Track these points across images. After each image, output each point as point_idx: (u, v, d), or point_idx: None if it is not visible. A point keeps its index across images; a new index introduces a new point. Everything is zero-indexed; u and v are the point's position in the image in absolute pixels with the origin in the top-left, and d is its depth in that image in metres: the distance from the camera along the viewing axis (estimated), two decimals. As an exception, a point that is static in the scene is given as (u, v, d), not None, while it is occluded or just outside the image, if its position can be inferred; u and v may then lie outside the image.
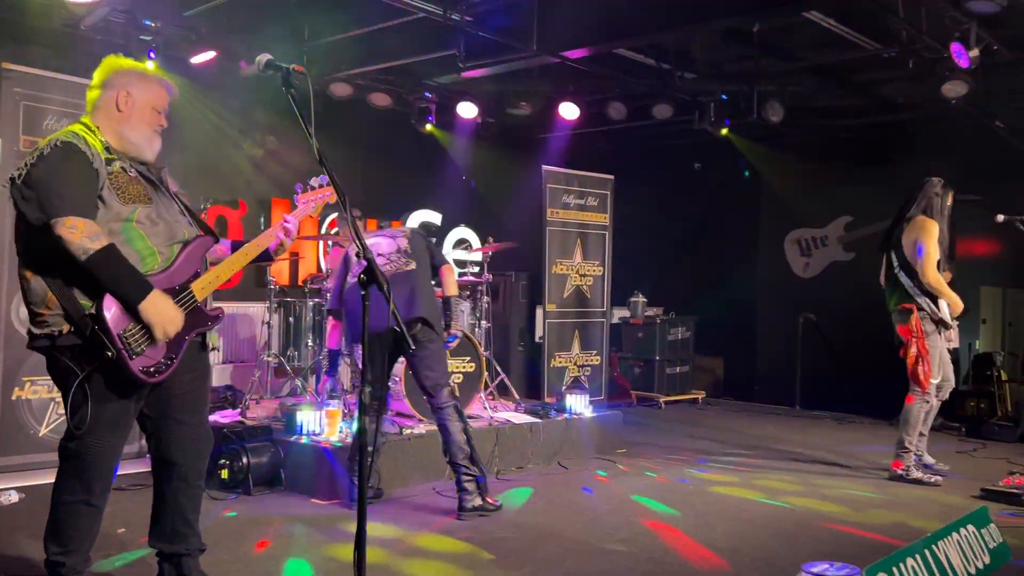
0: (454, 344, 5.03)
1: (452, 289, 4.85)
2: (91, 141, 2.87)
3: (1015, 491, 5.07)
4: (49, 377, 2.93)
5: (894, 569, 3.10)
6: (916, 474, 5.50)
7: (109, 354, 2.67)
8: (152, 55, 6.20)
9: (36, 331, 2.79)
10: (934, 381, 5.59)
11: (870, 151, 9.42)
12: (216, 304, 3.14)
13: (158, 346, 2.80)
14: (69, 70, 5.24)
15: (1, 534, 3.95)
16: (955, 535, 3.58)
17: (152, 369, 2.79)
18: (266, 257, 3.19)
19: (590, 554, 3.98)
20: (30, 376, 4.96)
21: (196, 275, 2.97)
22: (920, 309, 5.52)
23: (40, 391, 5.01)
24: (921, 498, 5.18)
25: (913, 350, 5.54)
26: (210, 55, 6.62)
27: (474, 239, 9.03)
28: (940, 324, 5.57)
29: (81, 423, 2.79)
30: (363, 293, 2.26)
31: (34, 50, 5.99)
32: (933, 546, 3.39)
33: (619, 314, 9.57)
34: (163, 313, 2.77)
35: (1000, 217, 5.73)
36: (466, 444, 4.48)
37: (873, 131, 9.32)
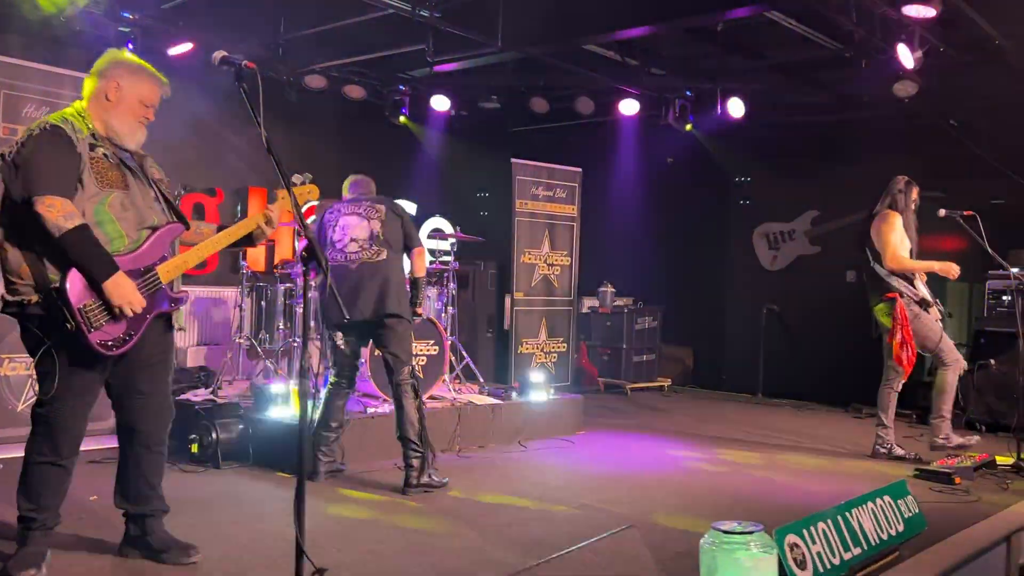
0: (416, 322, 5.19)
1: (421, 271, 5.02)
2: (79, 125, 3.12)
3: (946, 471, 5.36)
4: (26, 354, 3.19)
5: (804, 531, 3.36)
6: (956, 440, 5.78)
7: (68, 326, 2.92)
8: (130, 46, 6.40)
9: (8, 298, 3.04)
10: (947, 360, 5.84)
11: (836, 148, 9.69)
12: (184, 288, 3.38)
13: (118, 323, 3.03)
14: (48, 60, 5.44)
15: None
16: (870, 504, 3.84)
17: (110, 343, 3.02)
18: (247, 242, 3.46)
19: (538, 520, 4.24)
20: (8, 354, 5.18)
21: (163, 259, 3.20)
22: (902, 295, 5.76)
23: (18, 368, 5.23)
24: (869, 472, 5.48)
25: (899, 336, 5.78)
26: (187, 47, 6.82)
27: (448, 229, 9.26)
28: (922, 304, 5.82)
29: (49, 389, 3.04)
30: (304, 276, 2.49)
31: (14, 39, 6.18)
32: (847, 512, 3.65)
33: (589, 303, 9.84)
34: (124, 292, 3.00)
35: (942, 212, 6.03)
36: (418, 422, 4.70)
37: (838, 128, 9.57)
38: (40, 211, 2.89)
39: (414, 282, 5.03)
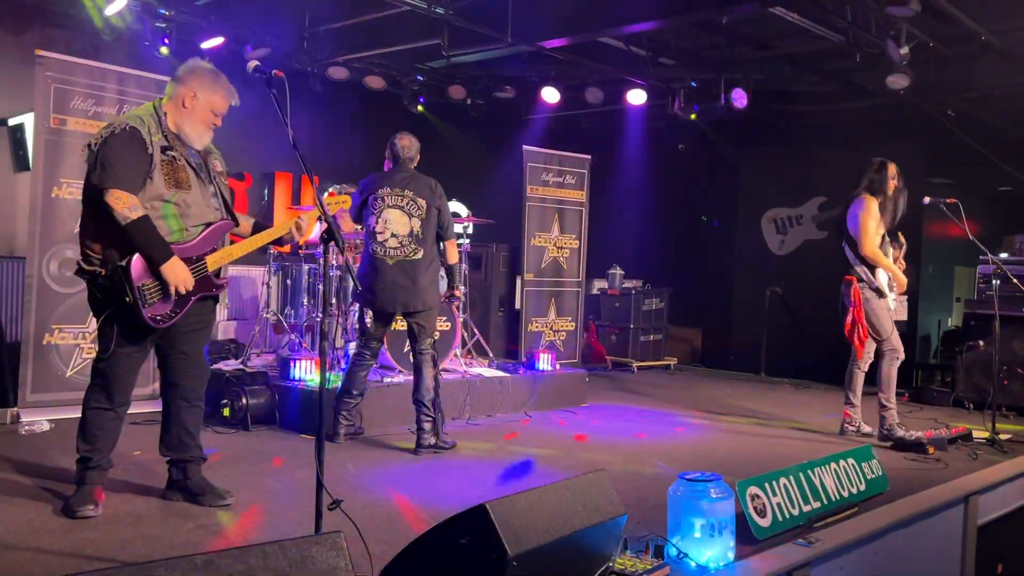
0: (458, 302, 5.66)
1: (453, 259, 5.45)
2: (154, 127, 3.59)
3: (922, 441, 5.73)
4: (75, 326, 3.71)
5: (766, 484, 3.78)
6: (898, 432, 5.91)
7: (128, 299, 3.42)
8: (166, 41, 6.88)
9: (84, 266, 3.55)
10: (868, 356, 6.16)
11: (843, 135, 9.98)
12: (224, 277, 3.89)
13: (168, 301, 3.52)
14: (94, 55, 5.92)
15: (36, 453, 4.69)
16: (833, 464, 4.23)
17: (159, 318, 3.53)
18: (279, 242, 3.99)
19: (533, 474, 4.68)
20: (59, 324, 5.68)
21: (213, 250, 3.70)
22: (860, 280, 6.08)
23: (67, 338, 5.74)
24: (842, 445, 5.85)
25: (849, 318, 6.13)
26: (219, 41, 7.28)
27: (464, 212, 9.68)
28: (877, 293, 6.14)
29: (107, 347, 3.56)
30: (324, 255, 2.94)
31: (60, 36, 6.67)
32: (809, 471, 4.05)
33: (599, 285, 10.26)
34: (178, 274, 3.50)
35: (926, 199, 6.30)
36: (432, 390, 5.16)
37: (845, 116, 9.86)
38: (109, 202, 3.39)
39: (448, 269, 5.46)
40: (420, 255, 5.18)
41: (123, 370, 3.64)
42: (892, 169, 6.13)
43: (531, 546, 2.50)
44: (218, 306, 7.58)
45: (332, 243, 2.95)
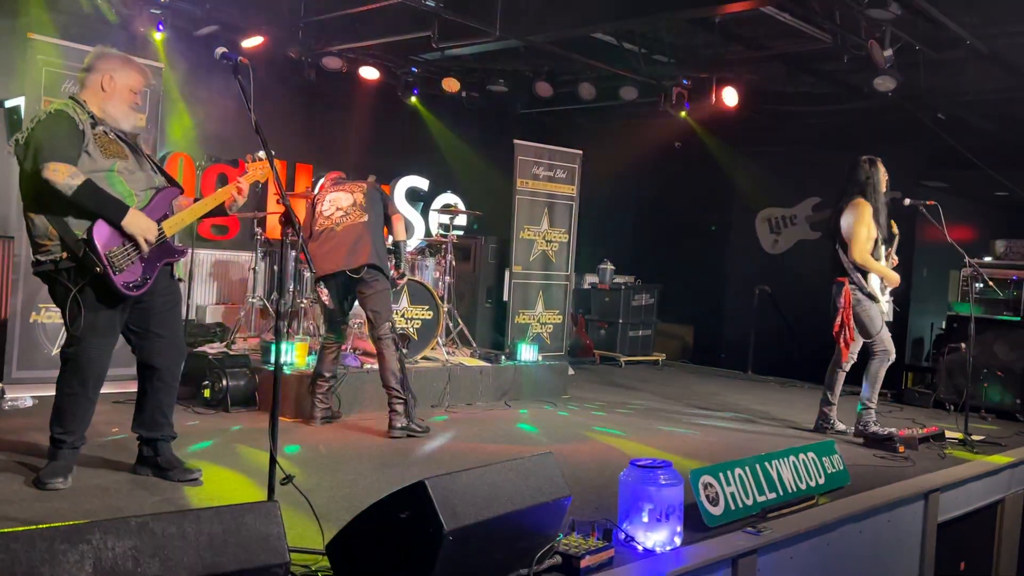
0: (402, 283, 5.71)
1: (399, 235, 5.57)
2: (78, 110, 3.67)
3: (892, 436, 5.79)
4: None
5: (720, 474, 3.85)
6: (872, 429, 5.95)
7: (98, 269, 3.48)
8: (161, 27, 6.97)
9: (41, 259, 3.61)
10: (852, 358, 6.22)
11: (838, 136, 10.00)
12: (180, 245, 3.95)
13: (136, 267, 3.59)
14: (85, 40, 6.00)
15: (19, 428, 4.80)
16: (792, 457, 4.29)
17: (131, 284, 3.59)
18: (221, 212, 3.94)
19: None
20: (45, 303, 5.79)
21: (165, 216, 3.76)
22: (852, 283, 6.10)
23: (54, 316, 5.84)
24: (811, 440, 5.91)
25: (838, 320, 6.19)
26: (213, 28, 7.37)
27: (459, 204, 9.78)
28: (869, 298, 6.11)
29: (76, 330, 3.61)
30: (285, 235, 3.02)
31: (54, 20, 6.76)
32: (765, 462, 4.11)
33: (589, 280, 10.33)
34: (142, 225, 3.57)
35: (907, 201, 6.35)
36: (399, 371, 5.24)
37: (840, 117, 9.88)
38: (48, 176, 3.43)
39: (395, 246, 5.59)
40: (365, 218, 5.35)
41: (95, 354, 3.70)
42: (880, 165, 6.14)
43: (468, 522, 2.58)
44: (205, 290, 7.70)
45: (291, 229, 3.02)
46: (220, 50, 3.27)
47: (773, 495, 4.01)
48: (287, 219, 3.01)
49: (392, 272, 5.50)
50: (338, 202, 5.43)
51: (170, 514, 2.12)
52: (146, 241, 3.59)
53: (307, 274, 6.74)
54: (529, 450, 5.03)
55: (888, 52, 6.26)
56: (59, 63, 5.81)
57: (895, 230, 6.64)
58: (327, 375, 5.45)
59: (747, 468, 3.98)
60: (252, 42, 7.40)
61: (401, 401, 5.21)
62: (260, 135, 3.08)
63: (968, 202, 10.81)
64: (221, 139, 8.09)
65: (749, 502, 3.87)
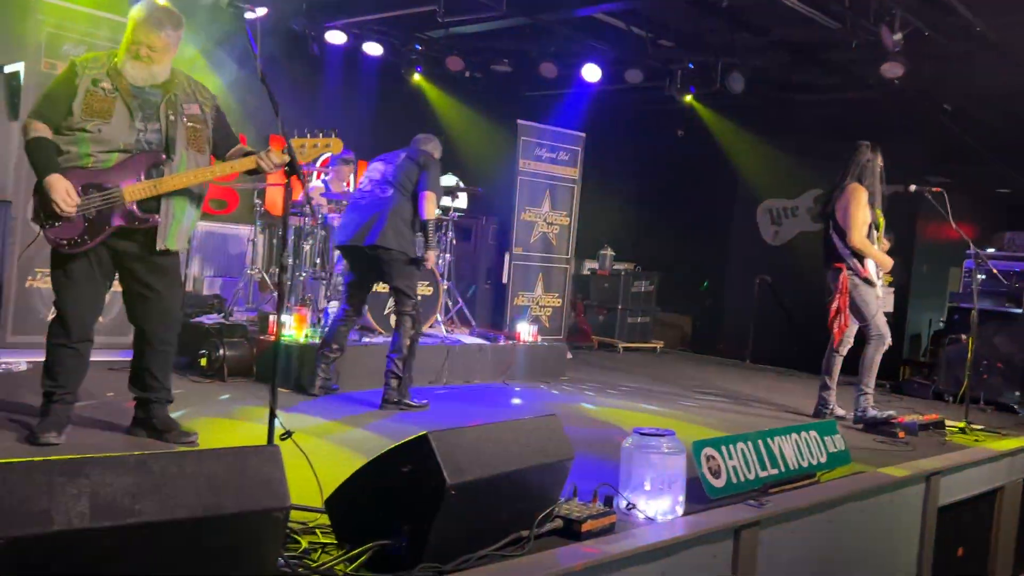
0: (430, 263, 5.46)
1: (427, 214, 5.26)
2: (101, 62, 3.66)
3: (892, 418, 5.76)
4: None
5: (722, 447, 3.81)
6: (871, 414, 5.93)
7: (33, 221, 3.55)
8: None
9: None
10: (848, 341, 6.19)
11: (841, 127, 9.93)
12: (156, 216, 3.70)
13: (74, 224, 3.57)
14: (88, 2, 5.94)
15: (13, 391, 4.74)
16: (794, 435, 4.26)
17: (63, 241, 3.58)
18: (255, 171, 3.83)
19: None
20: (42, 268, 5.73)
21: (134, 180, 3.64)
22: (849, 269, 6.09)
23: (49, 281, 5.77)
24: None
25: (835, 305, 6.16)
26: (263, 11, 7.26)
27: (460, 184, 9.71)
28: (865, 282, 6.11)
29: (54, 278, 3.70)
30: (287, 191, 2.96)
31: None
32: (768, 438, 4.07)
33: (589, 265, 10.29)
34: (56, 190, 3.49)
35: (912, 187, 6.31)
36: (406, 348, 5.19)
37: (844, 107, 9.85)
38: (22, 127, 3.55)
39: (422, 225, 5.30)
40: (389, 193, 5.24)
41: (71, 299, 3.68)
42: (879, 156, 6.10)
43: (471, 478, 2.54)
44: (204, 262, 7.64)
45: (296, 178, 2.96)
46: (227, -2, 3.20)
47: (775, 471, 3.97)
48: (292, 168, 2.94)
49: (420, 251, 5.34)
50: (371, 173, 5.41)
51: (170, 454, 2.07)
52: (63, 203, 3.50)
53: (306, 246, 6.68)
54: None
55: (898, 36, 6.21)
56: (61, 23, 5.74)
57: (880, 219, 6.59)
58: (335, 347, 5.43)
59: (749, 443, 3.93)
60: (257, 13, 7.30)
61: (396, 377, 5.17)
62: (265, 85, 3.02)
63: (968, 198, 10.77)
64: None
65: (751, 476, 3.83)
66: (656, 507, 3.27)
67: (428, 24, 8.37)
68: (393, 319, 5.50)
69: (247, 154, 3.91)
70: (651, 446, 3.35)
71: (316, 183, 7.51)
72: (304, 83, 8.60)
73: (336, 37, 8.17)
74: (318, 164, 8.00)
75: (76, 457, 1.93)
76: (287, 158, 3.61)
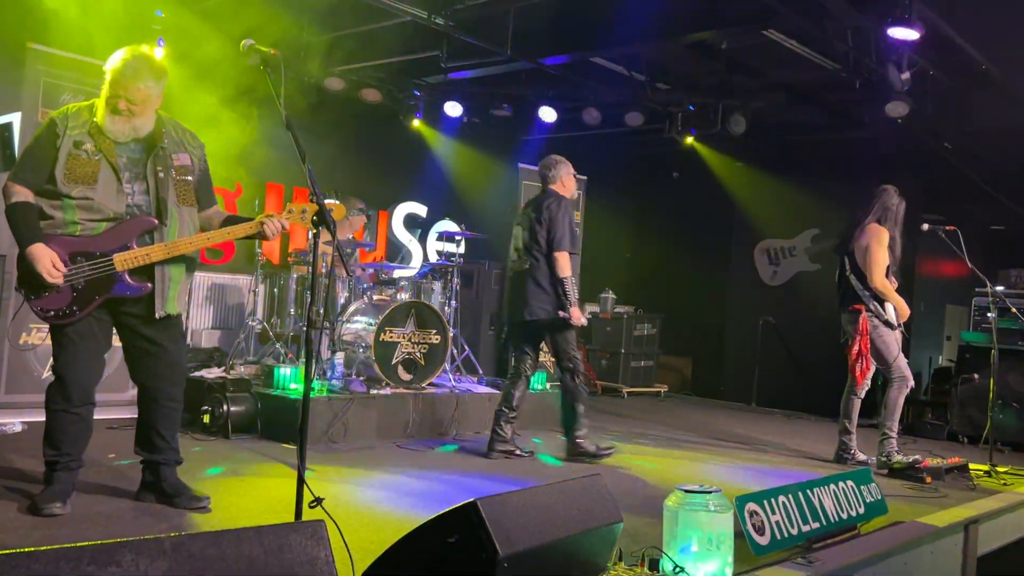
0: (577, 319, 5.42)
1: (560, 272, 5.30)
2: (83, 119, 3.47)
3: (918, 469, 5.59)
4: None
5: (764, 502, 3.64)
6: (896, 458, 5.77)
7: (17, 291, 3.39)
8: (161, 43, 6.77)
9: None
10: (867, 384, 6.06)
11: (839, 166, 9.95)
12: (149, 284, 3.52)
13: (62, 295, 3.38)
14: (88, 52, 5.81)
15: (7, 455, 4.51)
16: (832, 486, 4.10)
17: (50, 312, 3.40)
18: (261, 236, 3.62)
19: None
20: (37, 324, 5.52)
21: (125, 247, 3.45)
22: (868, 310, 5.96)
23: (45, 338, 5.55)
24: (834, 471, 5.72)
25: (856, 348, 6.01)
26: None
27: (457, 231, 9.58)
28: (886, 325, 5.98)
29: (54, 342, 3.52)
30: (314, 240, 2.81)
31: (53, 31, 6.56)
32: (808, 490, 3.92)
33: (590, 309, 10.13)
34: (40, 260, 3.30)
35: (925, 226, 6.22)
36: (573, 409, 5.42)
37: (842, 147, 9.85)
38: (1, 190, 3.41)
39: (559, 283, 5.33)
40: (528, 266, 5.39)
41: (70, 361, 3.50)
42: (903, 206, 6.07)
43: (522, 547, 2.36)
44: (202, 314, 7.42)
45: (324, 228, 2.81)
46: (248, 41, 3.08)
47: (817, 524, 3.80)
48: (320, 218, 2.79)
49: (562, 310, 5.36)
50: (515, 240, 5.54)
51: (207, 534, 1.88)
52: (48, 274, 3.31)
53: (308, 297, 6.50)
54: (548, 475, 4.81)
55: (905, 75, 6.18)
56: (57, 73, 5.61)
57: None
58: (505, 409, 5.52)
59: (791, 496, 3.77)
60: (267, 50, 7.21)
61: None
62: (291, 131, 2.88)
63: (963, 236, 10.77)
64: (218, 159, 7.83)
65: (794, 532, 3.66)
66: (705, 569, 3.08)
67: (427, 70, 8.30)
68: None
69: (234, 220, 3.73)
70: (697, 504, 3.17)
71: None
72: (301, 131, 8.46)
73: (334, 83, 8.06)
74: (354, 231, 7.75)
75: (107, 543, 1.73)
76: (288, 224, 3.53)
